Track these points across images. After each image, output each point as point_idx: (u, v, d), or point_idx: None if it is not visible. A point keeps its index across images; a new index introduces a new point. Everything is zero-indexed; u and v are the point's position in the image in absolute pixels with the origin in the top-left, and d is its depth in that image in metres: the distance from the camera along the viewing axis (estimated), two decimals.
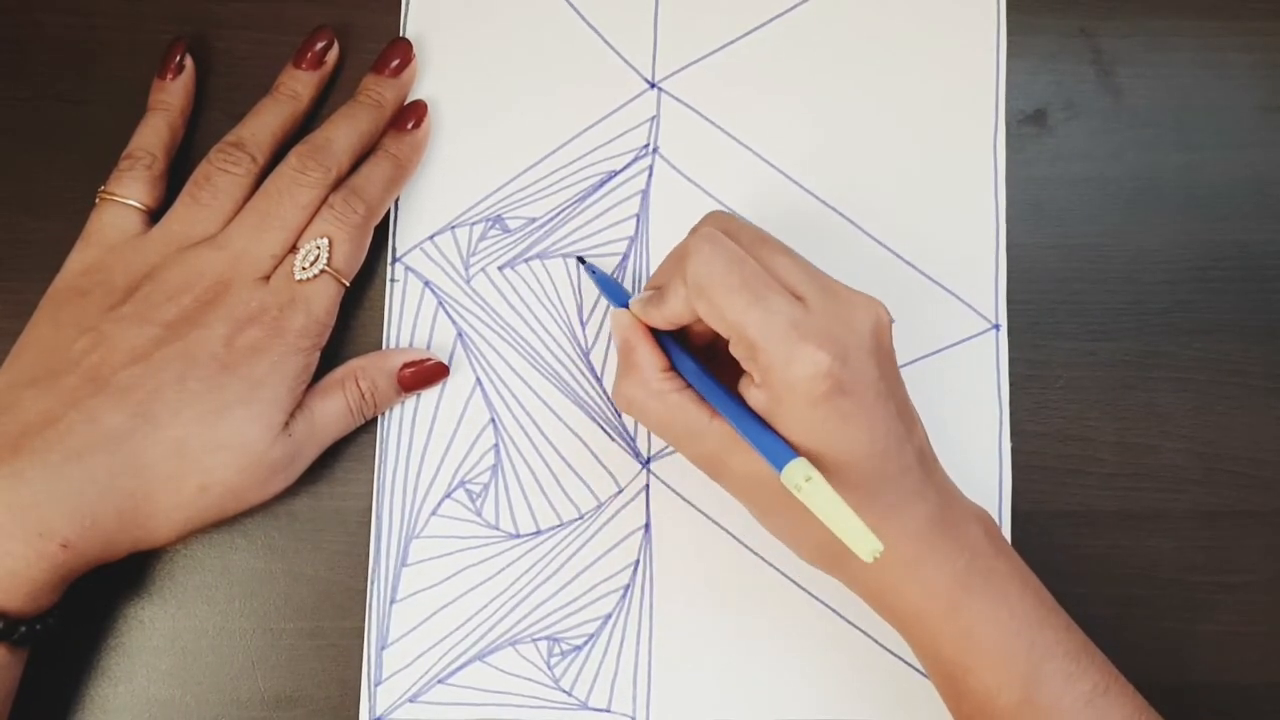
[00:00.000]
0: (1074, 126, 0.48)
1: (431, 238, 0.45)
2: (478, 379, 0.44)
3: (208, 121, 0.45)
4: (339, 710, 0.42)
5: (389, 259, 0.45)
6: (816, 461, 0.35)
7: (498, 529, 0.44)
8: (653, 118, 0.46)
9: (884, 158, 0.46)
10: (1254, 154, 0.48)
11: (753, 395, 0.36)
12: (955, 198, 0.46)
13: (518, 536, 0.44)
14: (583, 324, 0.45)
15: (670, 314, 0.38)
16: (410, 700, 0.42)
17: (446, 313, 0.45)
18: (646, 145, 0.46)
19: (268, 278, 0.40)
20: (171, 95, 0.43)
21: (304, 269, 0.40)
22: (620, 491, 0.44)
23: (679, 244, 0.40)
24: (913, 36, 0.47)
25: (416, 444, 0.44)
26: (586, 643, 0.43)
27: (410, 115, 0.44)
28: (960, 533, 0.37)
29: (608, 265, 0.45)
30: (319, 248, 0.40)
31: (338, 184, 0.42)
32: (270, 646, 0.42)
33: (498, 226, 0.45)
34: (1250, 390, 0.46)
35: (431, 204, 0.45)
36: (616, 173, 0.46)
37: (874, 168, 0.46)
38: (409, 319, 0.45)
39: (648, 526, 0.44)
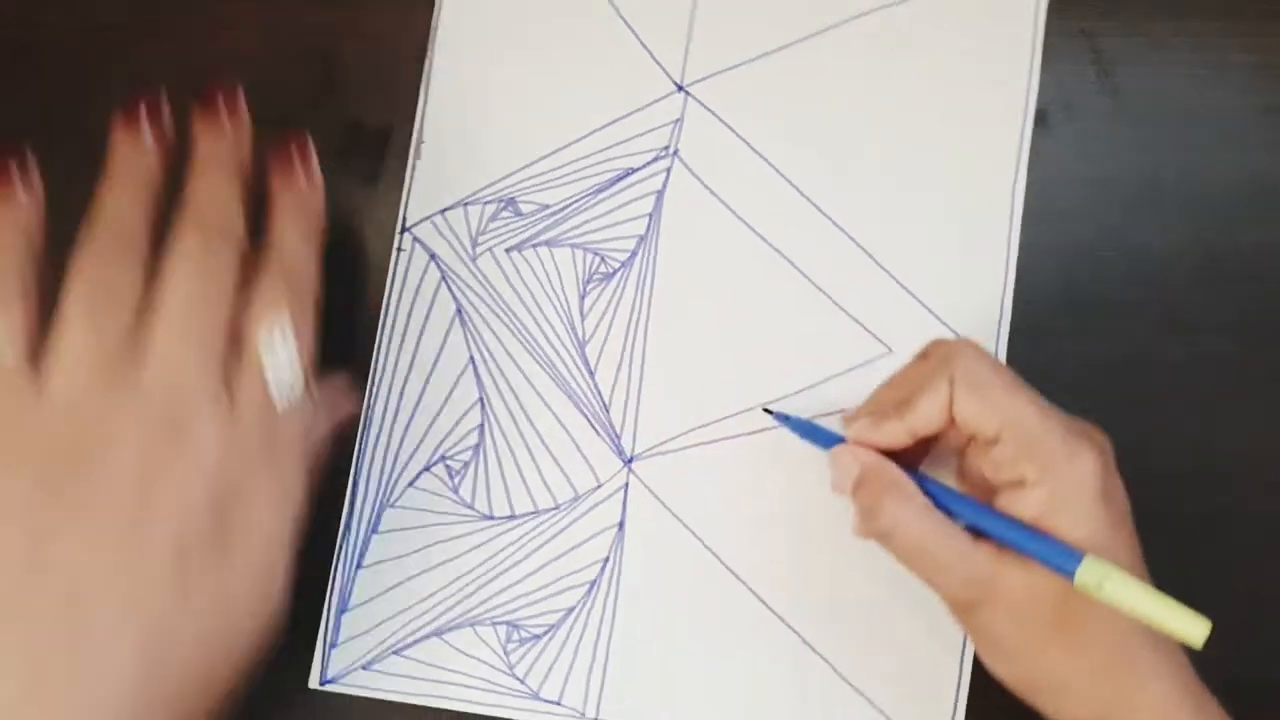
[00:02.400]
0: (1073, 127, 0.48)
1: (443, 212, 0.45)
2: (471, 357, 0.44)
3: None
4: (340, 710, 0.42)
5: (398, 228, 0.45)
6: None
7: (472, 508, 0.43)
8: (677, 120, 0.46)
9: (904, 190, 0.46)
10: (1254, 154, 0.48)
11: (1025, 499, 0.35)
12: (970, 241, 0.46)
13: (491, 518, 0.43)
14: (582, 316, 0.45)
15: (919, 421, 0.36)
16: (363, 667, 0.42)
17: (449, 288, 0.45)
18: (667, 147, 0.46)
19: (231, 397, 0.32)
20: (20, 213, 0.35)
21: (273, 353, 0.33)
22: (599, 487, 0.44)
23: (917, 362, 0.39)
24: (946, 66, 0.47)
25: (403, 414, 0.44)
26: (546, 633, 0.43)
27: (294, 153, 0.37)
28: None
29: (615, 260, 0.45)
30: (280, 326, 0.32)
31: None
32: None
33: (510, 209, 0.45)
34: (1250, 390, 0.46)
35: (448, 179, 0.46)
36: (634, 170, 0.46)
37: (891, 198, 0.46)
38: (410, 290, 0.45)
39: (622, 525, 0.44)
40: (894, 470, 0.37)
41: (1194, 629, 0.31)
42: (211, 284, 0.32)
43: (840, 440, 0.39)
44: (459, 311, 0.45)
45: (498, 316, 0.45)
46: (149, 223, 0.33)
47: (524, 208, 0.46)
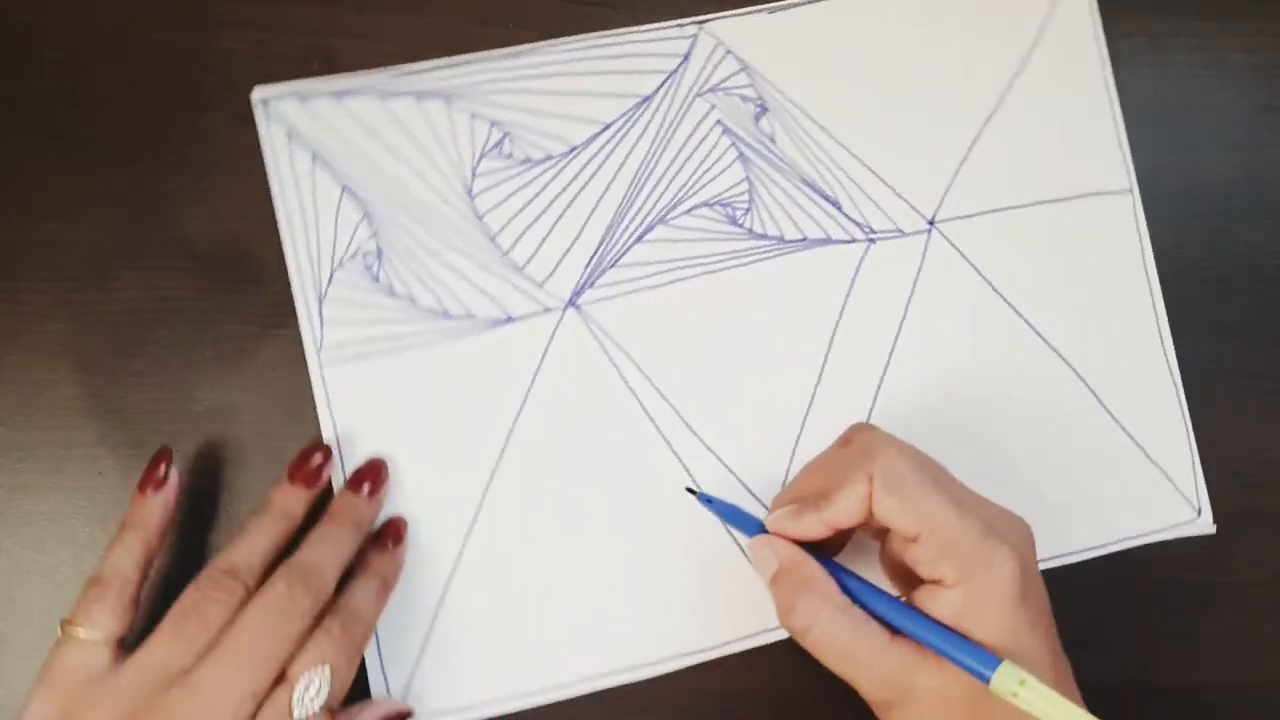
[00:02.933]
0: None
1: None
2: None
3: (209, 121, 0.45)
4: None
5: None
6: None
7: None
8: None
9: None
10: (1254, 154, 0.48)
11: (943, 599, 0.35)
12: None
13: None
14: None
15: (837, 516, 0.37)
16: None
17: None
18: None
19: (255, 710, 0.35)
20: (151, 511, 0.39)
21: (305, 702, 0.36)
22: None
23: (838, 448, 0.39)
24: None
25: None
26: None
27: (390, 534, 0.42)
28: None
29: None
30: (320, 679, 0.36)
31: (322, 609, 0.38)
32: None
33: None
34: (1251, 390, 0.46)
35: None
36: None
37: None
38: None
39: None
40: (811, 566, 0.37)
41: None
42: (279, 625, 0.36)
43: (759, 526, 0.39)
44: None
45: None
46: (264, 563, 0.39)
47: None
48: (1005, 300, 0.46)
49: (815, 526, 0.37)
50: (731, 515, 0.41)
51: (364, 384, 0.43)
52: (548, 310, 0.45)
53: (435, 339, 0.44)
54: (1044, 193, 0.47)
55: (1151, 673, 0.43)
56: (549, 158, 0.46)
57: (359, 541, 0.41)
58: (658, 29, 0.47)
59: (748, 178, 0.46)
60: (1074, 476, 0.45)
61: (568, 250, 0.45)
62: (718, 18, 0.47)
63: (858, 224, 0.46)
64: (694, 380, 0.45)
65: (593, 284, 0.45)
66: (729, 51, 0.47)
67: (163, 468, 0.40)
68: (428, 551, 0.43)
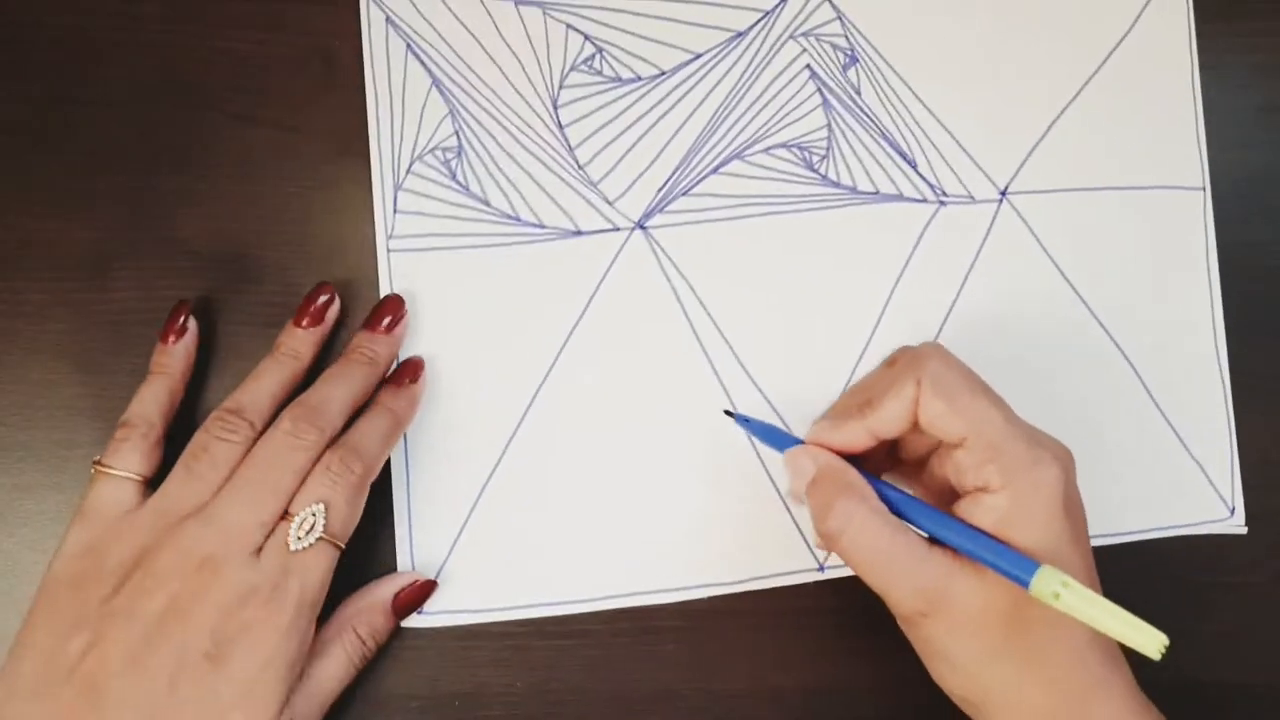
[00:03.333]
0: None
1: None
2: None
3: (209, 121, 0.45)
4: (339, 710, 0.42)
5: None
6: None
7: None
8: None
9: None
10: (1253, 155, 0.48)
11: (986, 504, 0.35)
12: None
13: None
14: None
15: (882, 423, 0.36)
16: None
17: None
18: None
19: (260, 549, 0.38)
20: (174, 359, 0.42)
21: (299, 538, 0.38)
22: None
23: (884, 367, 0.39)
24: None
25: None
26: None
27: (408, 372, 0.43)
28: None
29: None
30: (314, 514, 0.38)
31: (330, 443, 0.40)
32: None
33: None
34: (1251, 390, 0.46)
35: None
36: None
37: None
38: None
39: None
40: (850, 472, 0.37)
41: (1150, 642, 0.31)
42: (283, 460, 0.39)
43: (798, 444, 0.39)
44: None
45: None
46: (272, 404, 0.41)
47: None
48: (1065, 278, 0.47)
49: (858, 434, 0.37)
50: (769, 435, 0.40)
51: (428, 275, 0.45)
52: (616, 229, 0.45)
53: (503, 241, 0.45)
54: (1118, 179, 0.47)
55: (1151, 673, 0.43)
56: (637, 79, 0.46)
57: (373, 378, 0.42)
58: None
59: (828, 124, 0.47)
60: (1112, 461, 0.46)
61: (643, 173, 0.46)
62: None
63: (930, 185, 0.47)
64: (748, 315, 0.45)
65: (663, 209, 0.46)
66: None
67: (182, 317, 0.42)
68: (469, 451, 0.44)
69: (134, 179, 0.45)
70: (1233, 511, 0.46)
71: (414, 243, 0.45)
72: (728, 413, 0.42)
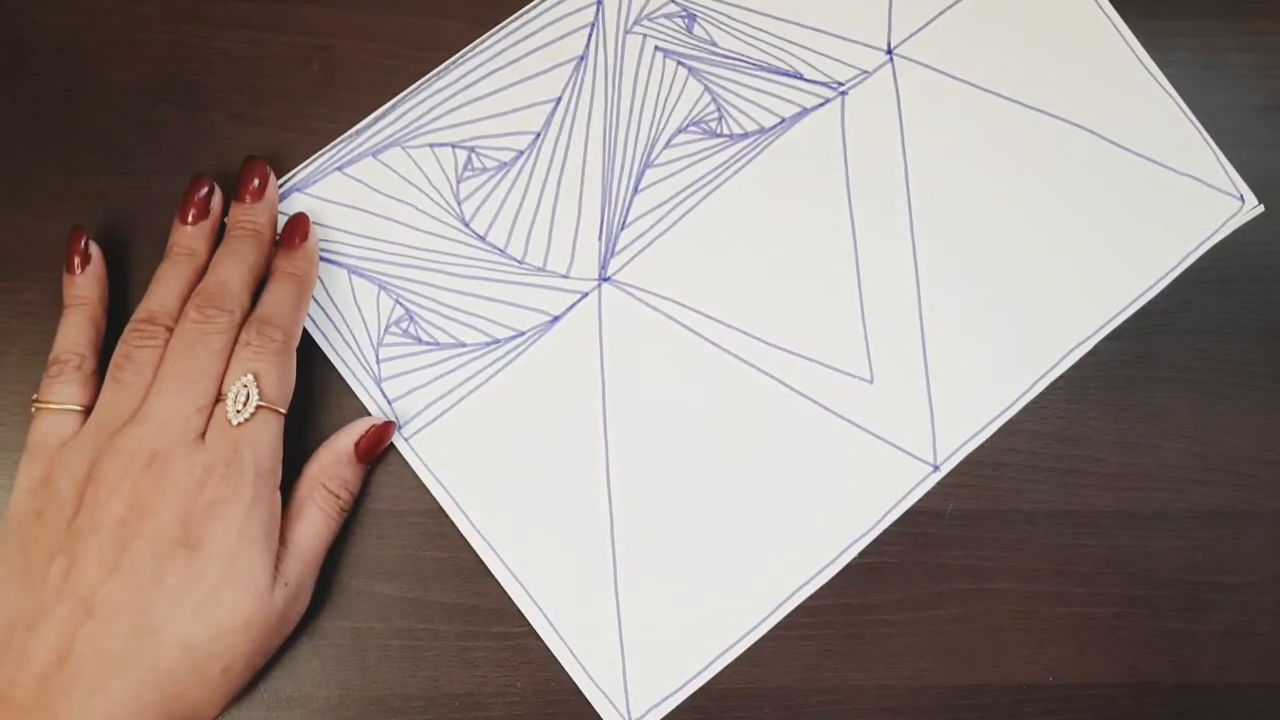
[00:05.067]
0: None
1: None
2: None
3: (212, 123, 0.45)
4: (339, 710, 0.42)
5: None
6: None
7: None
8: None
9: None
10: (1254, 154, 0.48)
11: None
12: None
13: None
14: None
15: None
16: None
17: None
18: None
19: (204, 435, 0.39)
20: (85, 289, 0.42)
21: (238, 412, 0.39)
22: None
23: None
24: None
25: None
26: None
27: (295, 231, 0.43)
28: None
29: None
30: (246, 386, 0.39)
31: (242, 321, 0.41)
32: None
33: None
34: (1251, 390, 0.46)
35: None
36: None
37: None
38: None
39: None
40: None
41: None
42: (199, 345, 0.40)
43: None
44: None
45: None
46: (181, 304, 0.41)
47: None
48: (990, 91, 0.47)
49: None
50: None
51: (451, 443, 0.44)
52: (585, 295, 0.45)
53: (496, 367, 0.44)
54: None
55: (1151, 673, 0.43)
56: (519, 153, 0.46)
57: (261, 247, 0.43)
58: None
59: (706, 88, 0.47)
60: (1125, 219, 0.47)
61: (576, 232, 0.45)
62: None
63: (823, 84, 0.47)
64: (744, 296, 0.45)
65: (614, 252, 0.45)
66: None
67: (81, 242, 0.42)
68: (585, 558, 0.43)
69: (134, 179, 0.45)
70: (1242, 199, 0.47)
71: (422, 419, 0.44)
72: None
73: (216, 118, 0.45)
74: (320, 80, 0.46)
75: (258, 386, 0.39)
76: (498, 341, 0.44)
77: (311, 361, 0.43)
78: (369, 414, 0.44)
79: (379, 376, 0.44)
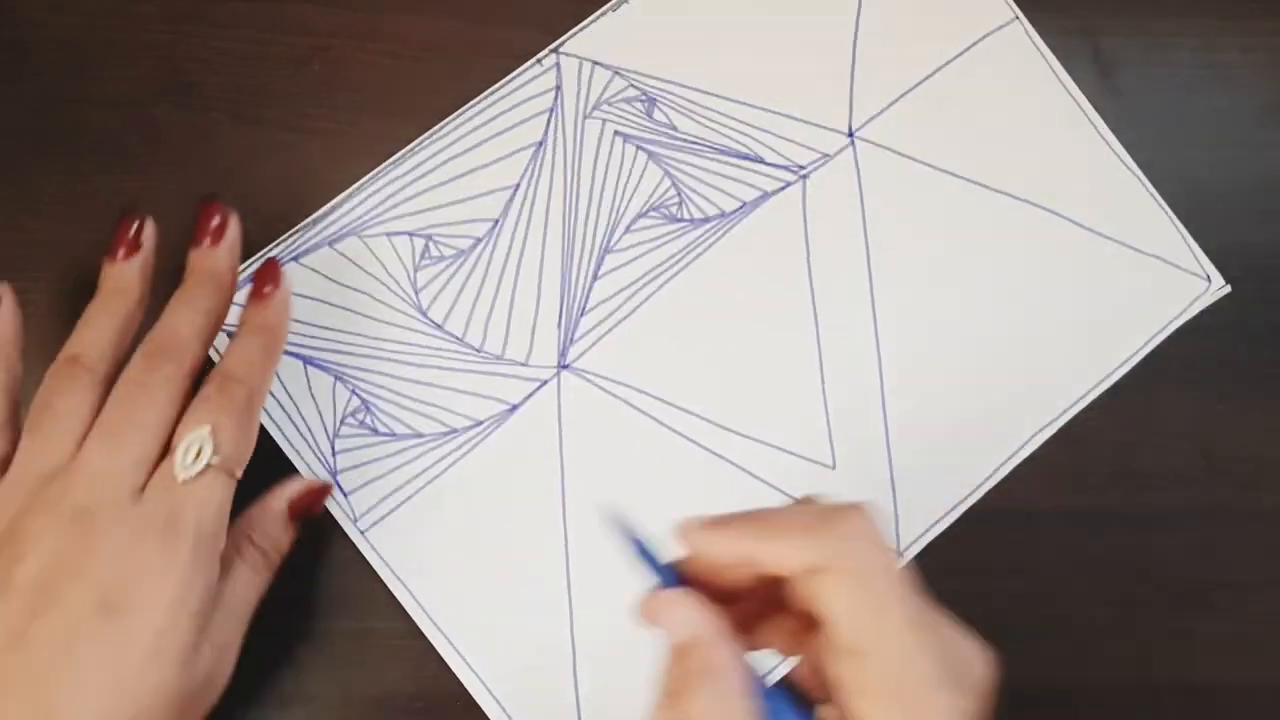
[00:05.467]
0: None
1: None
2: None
3: (212, 123, 0.45)
4: (340, 710, 0.42)
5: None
6: None
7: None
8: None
9: None
10: (1254, 154, 0.48)
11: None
12: None
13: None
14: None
15: (774, 553, 0.30)
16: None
17: None
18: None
19: (142, 490, 0.35)
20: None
21: (186, 466, 0.35)
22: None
23: (809, 506, 0.32)
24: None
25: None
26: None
27: (266, 279, 0.40)
28: None
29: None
30: (200, 440, 0.35)
31: (193, 374, 0.37)
32: (270, 646, 0.42)
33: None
34: (1252, 390, 0.46)
35: None
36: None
37: None
38: None
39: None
40: (723, 651, 0.29)
41: None
42: (141, 397, 0.36)
43: (670, 572, 0.32)
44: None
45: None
46: (112, 346, 0.38)
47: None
48: (950, 174, 0.47)
49: (737, 548, 0.30)
50: (643, 552, 0.32)
51: (410, 530, 0.43)
52: (544, 383, 0.44)
53: (454, 457, 0.44)
54: (939, 57, 0.48)
55: (1151, 673, 0.43)
56: (477, 241, 0.45)
57: (220, 295, 0.39)
58: (519, 74, 0.46)
59: (666, 173, 0.46)
60: (1090, 300, 0.46)
61: (535, 319, 0.45)
62: (569, 37, 0.47)
63: (784, 167, 0.47)
64: (705, 382, 0.45)
65: (573, 340, 0.45)
66: (595, 64, 0.47)
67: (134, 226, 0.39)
68: (544, 646, 0.42)
69: (134, 179, 0.45)
70: (1209, 279, 0.47)
71: (378, 511, 0.43)
72: (608, 513, 0.33)
73: (216, 118, 0.45)
74: (320, 80, 0.46)
75: (213, 441, 0.36)
76: (455, 431, 0.44)
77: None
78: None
79: (334, 469, 0.43)
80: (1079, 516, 0.45)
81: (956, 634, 0.30)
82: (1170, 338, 0.46)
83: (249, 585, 0.38)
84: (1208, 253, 0.47)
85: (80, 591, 0.33)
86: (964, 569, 0.44)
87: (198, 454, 0.35)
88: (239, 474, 0.37)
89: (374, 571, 0.43)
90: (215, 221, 0.40)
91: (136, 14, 0.46)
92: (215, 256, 0.39)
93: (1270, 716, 0.44)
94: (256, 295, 0.40)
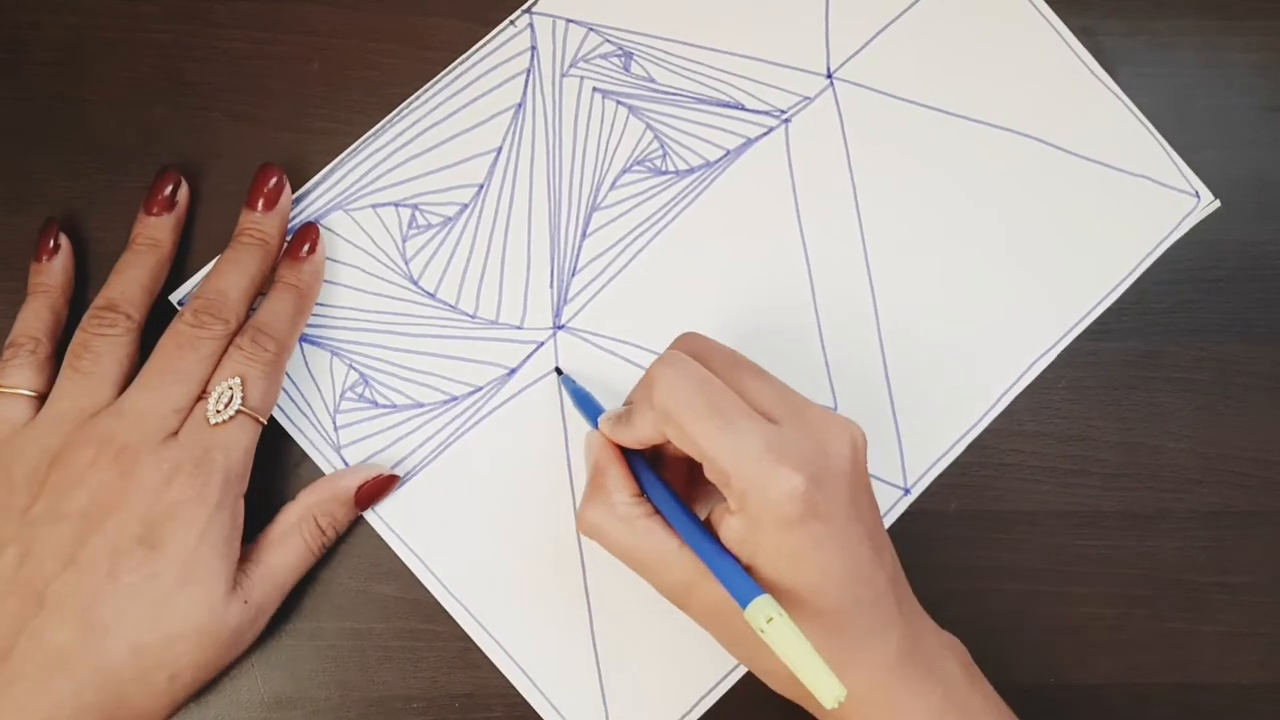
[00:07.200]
0: None
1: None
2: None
3: (212, 123, 0.45)
4: (339, 710, 0.42)
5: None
6: (789, 591, 0.34)
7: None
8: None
9: None
10: (1254, 154, 0.48)
11: (729, 524, 0.35)
12: None
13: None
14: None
15: (639, 436, 0.37)
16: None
17: None
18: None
19: (177, 433, 0.38)
20: (50, 276, 0.42)
21: (218, 412, 0.39)
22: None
23: (649, 368, 0.38)
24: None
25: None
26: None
27: (304, 241, 0.43)
28: (934, 665, 0.36)
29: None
30: (231, 388, 0.39)
31: (234, 331, 0.40)
32: (270, 647, 0.42)
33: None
34: (1252, 390, 0.46)
35: None
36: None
37: None
38: None
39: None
40: (612, 475, 0.37)
41: (829, 691, 0.30)
42: (188, 349, 0.39)
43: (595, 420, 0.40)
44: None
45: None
46: (144, 293, 0.41)
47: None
48: (932, 108, 0.47)
49: (628, 440, 0.38)
50: (582, 402, 0.42)
51: (421, 503, 0.43)
52: (541, 345, 0.44)
53: (457, 426, 0.44)
54: None
55: (1151, 673, 0.43)
56: (463, 206, 0.45)
57: (267, 258, 0.42)
58: (493, 37, 0.46)
59: (648, 126, 0.46)
60: (1081, 225, 0.47)
61: (527, 281, 0.45)
62: None
63: (765, 113, 0.47)
64: (703, 331, 0.44)
65: (567, 300, 0.45)
66: (569, 21, 0.47)
67: (51, 239, 0.42)
68: (560, 609, 0.43)
69: (134, 179, 0.45)
70: (1197, 195, 0.47)
71: (391, 499, 0.43)
72: (557, 370, 0.43)
73: (216, 118, 0.45)
74: (320, 80, 0.46)
75: (243, 391, 0.39)
76: (455, 399, 0.44)
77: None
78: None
79: (338, 444, 0.43)
80: (1079, 516, 0.45)
81: (798, 411, 0.36)
82: (1170, 337, 0.46)
83: (299, 558, 0.41)
84: (1209, 250, 0.47)
85: (122, 522, 0.37)
86: (964, 569, 0.44)
87: (229, 401, 0.39)
88: (264, 420, 0.40)
89: (374, 571, 0.43)
90: (272, 183, 0.43)
91: (136, 14, 0.46)
92: (266, 221, 0.42)
93: (1270, 716, 0.44)
94: (293, 256, 0.43)
